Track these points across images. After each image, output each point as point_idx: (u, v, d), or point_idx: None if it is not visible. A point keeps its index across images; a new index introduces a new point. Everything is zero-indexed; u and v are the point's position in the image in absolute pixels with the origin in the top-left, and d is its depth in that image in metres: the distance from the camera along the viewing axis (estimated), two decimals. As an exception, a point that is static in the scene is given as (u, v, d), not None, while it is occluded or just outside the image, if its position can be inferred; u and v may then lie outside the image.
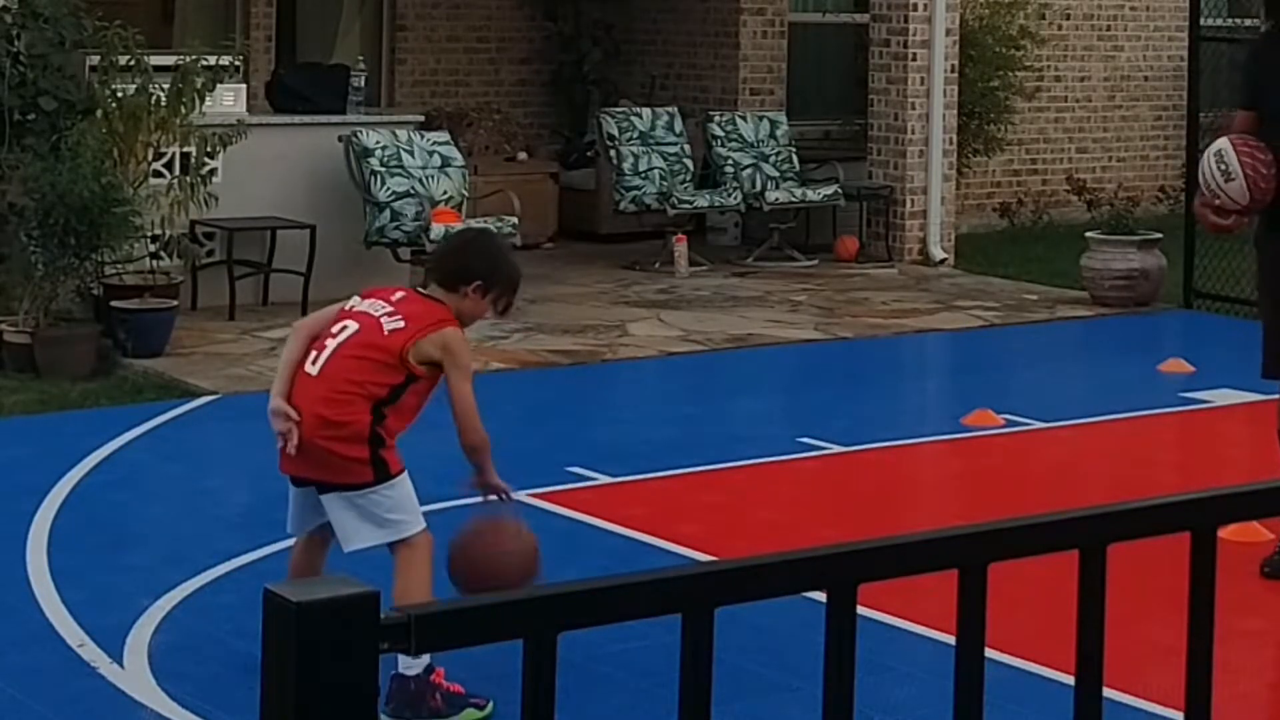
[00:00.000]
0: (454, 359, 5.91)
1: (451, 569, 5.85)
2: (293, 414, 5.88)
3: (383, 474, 5.90)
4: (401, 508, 5.94)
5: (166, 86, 11.83)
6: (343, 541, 6.00)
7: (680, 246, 14.99)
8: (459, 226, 12.99)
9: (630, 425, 10.33)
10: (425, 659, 5.82)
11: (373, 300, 6.06)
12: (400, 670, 5.84)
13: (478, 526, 6.03)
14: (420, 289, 6.21)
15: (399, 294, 6.13)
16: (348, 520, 5.94)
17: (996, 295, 14.46)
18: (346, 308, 6.09)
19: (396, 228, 13.03)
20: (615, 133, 15.42)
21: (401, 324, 5.93)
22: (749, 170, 15.71)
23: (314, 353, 5.97)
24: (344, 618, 2.02)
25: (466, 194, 13.54)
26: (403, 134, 13.42)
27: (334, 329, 6.00)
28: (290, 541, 6.55)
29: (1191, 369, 11.77)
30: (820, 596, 2.36)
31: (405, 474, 5.97)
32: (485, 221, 13.32)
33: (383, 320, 5.95)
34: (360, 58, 14.40)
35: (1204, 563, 2.62)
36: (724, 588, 2.32)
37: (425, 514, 6.08)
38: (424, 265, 13.02)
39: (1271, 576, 7.51)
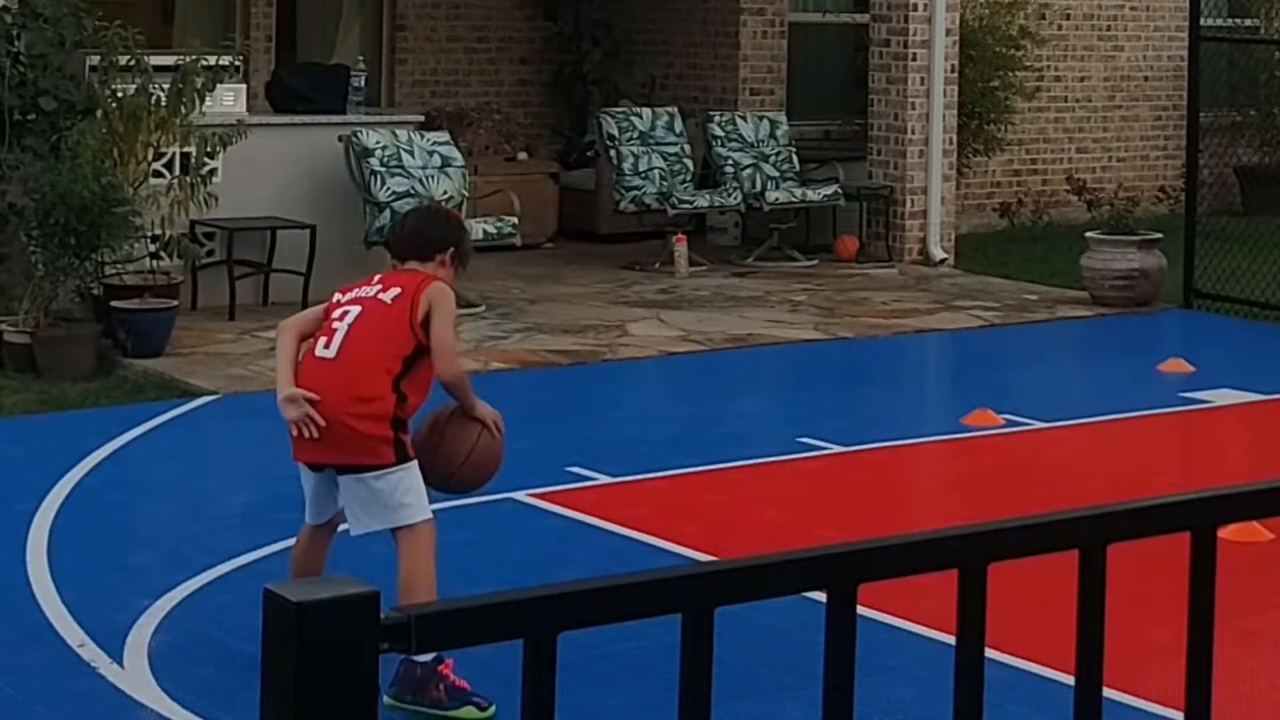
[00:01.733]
0: (440, 305, 6.12)
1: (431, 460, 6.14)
2: (312, 395, 5.94)
3: (403, 455, 6.02)
4: (415, 491, 6.04)
5: (166, 86, 11.83)
6: (351, 524, 6.08)
7: (680, 246, 14.99)
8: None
9: (630, 425, 10.33)
10: (437, 647, 5.84)
11: (358, 289, 6.22)
12: (411, 655, 5.87)
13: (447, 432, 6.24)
14: (395, 269, 6.42)
15: (377, 277, 6.32)
16: (359, 502, 6.02)
17: (996, 295, 14.46)
18: (335, 300, 6.23)
19: (396, 228, 13.01)
20: (615, 133, 15.42)
21: (398, 290, 6.12)
22: (749, 170, 15.71)
23: (323, 338, 6.09)
24: (344, 618, 2.03)
25: (466, 194, 13.53)
26: (403, 134, 13.42)
27: (335, 315, 6.14)
28: (292, 542, 6.56)
29: (1191, 369, 11.77)
30: (820, 596, 2.36)
31: (416, 462, 6.06)
32: (485, 221, 13.33)
33: (381, 296, 6.14)
34: (360, 58, 14.39)
35: (1204, 563, 2.62)
36: (724, 588, 2.32)
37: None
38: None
39: None
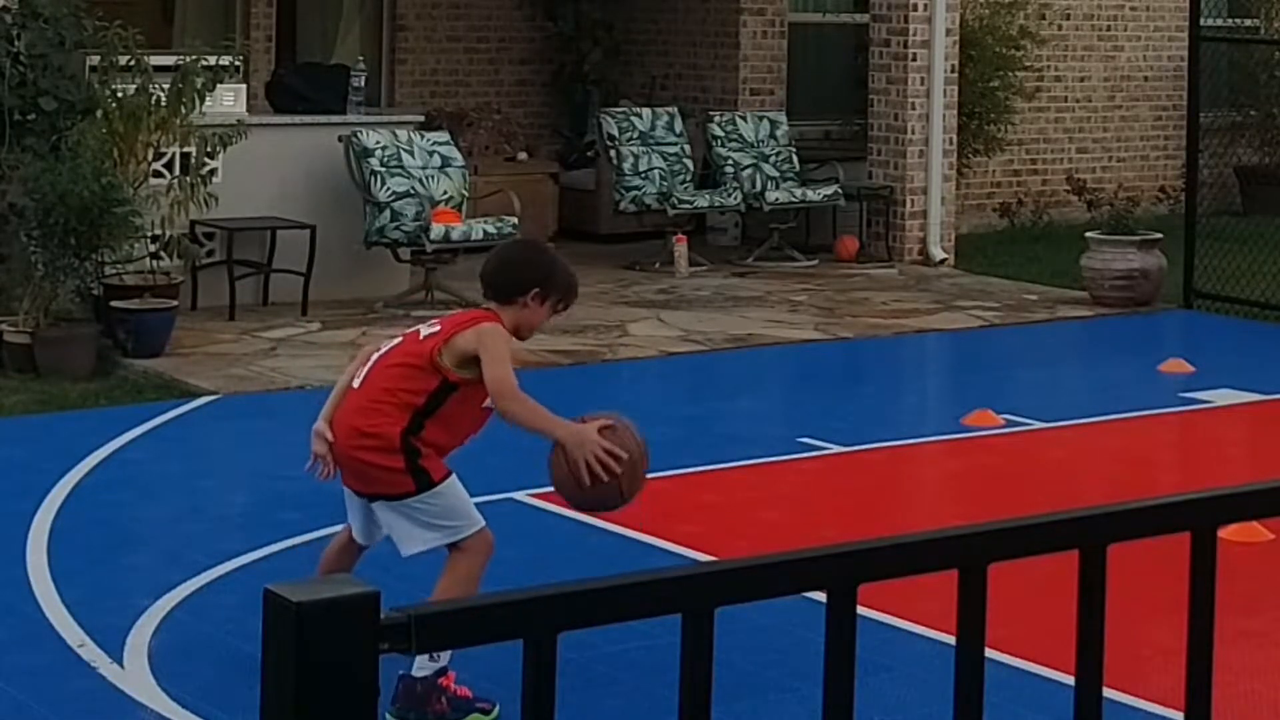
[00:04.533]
0: (486, 347, 5.86)
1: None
2: (328, 435, 5.92)
3: (424, 483, 5.90)
4: (451, 514, 5.93)
5: (166, 86, 11.83)
6: (399, 547, 6.01)
7: (680, 246, 14.99)
8: (460, 227, 13.00)
9: (630, 425, 10.31)
10: (439, 663, 5.83)
11: (430, 323, 6.12)
12: (410, 671, 5.85)
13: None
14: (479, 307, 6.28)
15: (454, 310, 6.20)
16: (401, 526, 5.96)
17: (996, 295, 14.46)
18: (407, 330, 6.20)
19: (396, 228, 13.02)
20: (615, 133, 15.42)
21: (436, 329, 5.99)
22: (749, 170, 15.71)
23: (362, 369, 6.04)
24: (344, 618, 2.02)
25: (466, 194, 13.53)
26: (403, 134, 13.42)
27: (383, 345, 6.09)
28: (292, 542, 6.56)
29: (1191, 369, 11.76)
30: (820, 596, 2.36)
31: (453, 479, 5.96)
32: (485, 221, 13.32)
33: (421, 329, 6.04)
34: (360, 58, 14.39)
35: (1204, 563, 2.62)
36: (724, 588, 2.32)
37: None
38: (428, 266, 13.02)
39: None
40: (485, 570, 5.98)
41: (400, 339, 6.07)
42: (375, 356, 6.02)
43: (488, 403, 5.93)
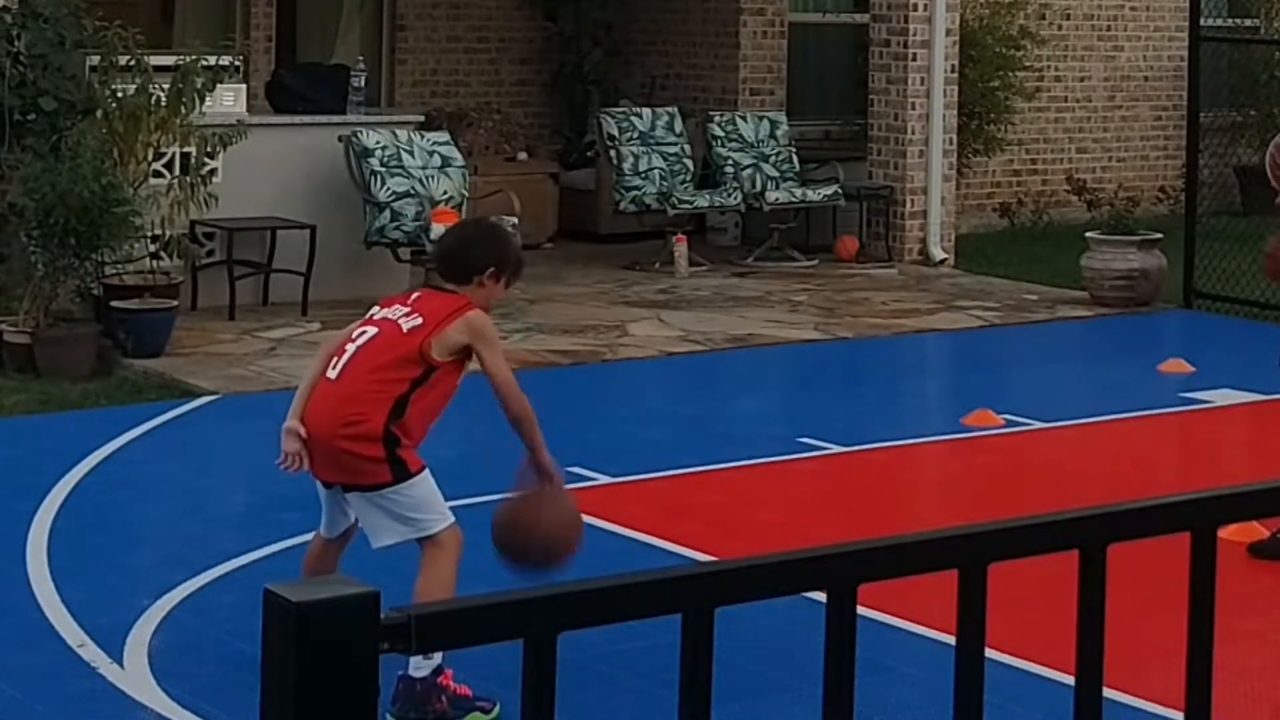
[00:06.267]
0: (482, 338, 5.96)
1: (495, 538, 5.94)
2: (301, 432, 5.92)
3: (401, 473, 5.92)
4: (424, 506, 5.96)
5: (166, 86, 11.83)
6: (371, 538, 6.04)
7: (680, 247, 14.99)
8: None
9: (630, 425, 10.32)
10: (435, 661, 5.83)
11: (392, 306, 6.11)
12: (408, 671, 5.86)
13: (517, 499, 6.07)
14: (434, 287, 6.25)
15: (415, 295, 6.19)
16: (373, 518, 5.98)
17: (996, 295, 14.45)
18: (367, 316, 6.16)
19: (396, 228, 13.02)
20: (615, 133, 15.42)
21: (420, 321, 5.98)
22: (749, 170, 15.71)
23: (335, 359, 6.02)
24: (344, 618, 2.03)
25: (466, 194, 13.54)
26: (403, 134, 13.42)
27: (354, 335, 6.06)
28: (292, 542, 6.56)
29: (1191, 369, 11.77)
30: (820, 596, 2.36)
31: (426, 472, 5.99)
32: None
33: (401, 321, 6.01)
34: (360, 58, 14.39)
35: (1204, 563, 2.62)
36: (724, 588, 2.32)
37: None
38: (427, 266, 13.02)
39: (1259, 556, 7.58)
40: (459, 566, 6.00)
41: (376, 331, 6.00)
42: (352, 349, 5.98)
43: (458, 382, 5.99)
